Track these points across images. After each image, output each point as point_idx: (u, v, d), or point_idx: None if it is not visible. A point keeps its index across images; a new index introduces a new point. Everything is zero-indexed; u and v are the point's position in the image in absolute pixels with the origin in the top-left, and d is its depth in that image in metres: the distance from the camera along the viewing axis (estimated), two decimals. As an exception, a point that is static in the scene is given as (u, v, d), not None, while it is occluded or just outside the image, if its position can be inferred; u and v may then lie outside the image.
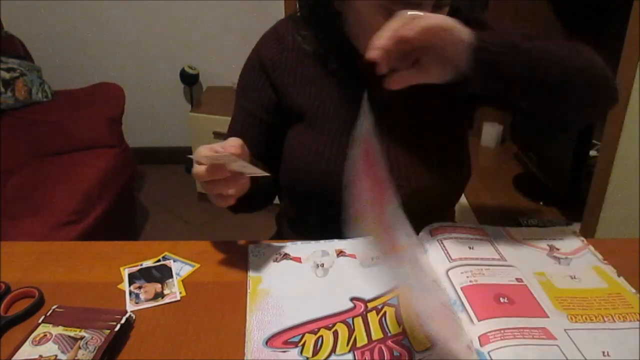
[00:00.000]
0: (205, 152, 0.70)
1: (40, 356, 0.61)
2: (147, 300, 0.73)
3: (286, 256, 0.80)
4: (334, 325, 0.66)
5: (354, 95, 0.90)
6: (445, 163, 0.91)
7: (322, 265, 0.78)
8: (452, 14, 0.84)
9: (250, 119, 0.95)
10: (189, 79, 2.72)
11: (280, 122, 0.94)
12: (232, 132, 0.99)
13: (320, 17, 0.86)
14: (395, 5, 0.71)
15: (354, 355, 0.62)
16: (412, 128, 0.90)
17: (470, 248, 0.78)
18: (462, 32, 0.68)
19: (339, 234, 0.82)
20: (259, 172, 0.75)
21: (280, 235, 1.08)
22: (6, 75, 2.15)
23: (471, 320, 0.65)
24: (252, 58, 0.95)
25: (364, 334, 0.65)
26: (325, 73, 0.90)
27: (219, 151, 0.71)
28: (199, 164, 0.71)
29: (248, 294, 0.72)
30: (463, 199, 1.88)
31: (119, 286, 0.76)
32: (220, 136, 2.37)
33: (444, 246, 0.78)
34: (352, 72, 0.89)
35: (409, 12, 0.66)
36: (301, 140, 0.92)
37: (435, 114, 0.91)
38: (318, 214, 0.94)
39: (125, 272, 0.78)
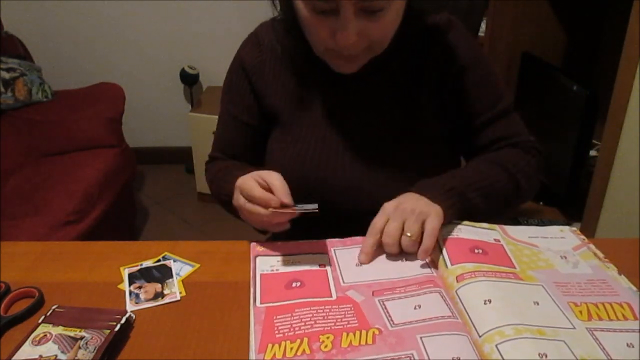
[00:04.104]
0: (260, 194, 0.74)
1: (40, 356, 0.61)
2: (147, 300, 0.73)
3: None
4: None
5: (326, 98, 0.92)
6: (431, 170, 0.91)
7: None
8: (417, 19, 0.88)
9: (235, 122, 0.97)
10: (189, 79, 2.72)
11: (263, 126, 0.96)
12: (219, 136, 1.01)
13: (292, 19, 0.86)
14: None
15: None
16: (389, 129, 0.91)
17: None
18: (440, 215, 0.77)
19: (321, 233, 0.83)
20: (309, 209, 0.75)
21: (276, 237, 1.07)
22: (6, 75, 2.15)
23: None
24: (235, 62, 0.96)
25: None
26: (298, 76, 0.92)
27: (273, 193, 0.74)
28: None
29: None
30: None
31: (119, 286, 0.76)
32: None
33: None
34: (321, 75, 0.90)
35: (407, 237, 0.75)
36: (278, 144, 0.93)
37: (418, 120, 0.91)
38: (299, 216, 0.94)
39: (125, 272, 0.78)
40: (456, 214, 0.81)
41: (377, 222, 0.78)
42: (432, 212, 0.76)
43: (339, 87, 0.91)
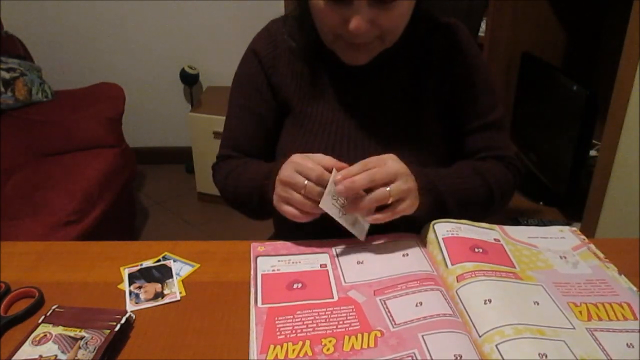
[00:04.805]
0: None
1: (40, 356, 0.61)
2: (147, 300, 0.73)
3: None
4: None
5: (335, 93, 0.93)
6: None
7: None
8: (425, 19, 0.89)
9: (251, 115, 0.97)
10: (189, 79, 2.72)
11: (277, 119, 0.97)
12: (230, 134, 1.01)
13: (305, 14, 0.88)
14: None
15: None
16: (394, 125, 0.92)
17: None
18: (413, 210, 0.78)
19: (322, 230, 0.82)
20: None
21: (278, 236, 1.07)
22: (6, 75, 2.15)
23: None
24: (248, 56, 0.98)
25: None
26: (309, 72, 0.93)
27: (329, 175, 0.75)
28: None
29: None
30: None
31: (119, 286, 0.76)
32: (219, 136, 2.37)
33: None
34: (331, 71, 0.92)
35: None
36: (288, 138, 0.94)
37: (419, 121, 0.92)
38: None
39: (125, 272, 0.78)
40: (425, 210, 0.81)
41: (374, 162, 0.76)
42: (414, 205, 0.78)
43: (348, 82, 0.92)
